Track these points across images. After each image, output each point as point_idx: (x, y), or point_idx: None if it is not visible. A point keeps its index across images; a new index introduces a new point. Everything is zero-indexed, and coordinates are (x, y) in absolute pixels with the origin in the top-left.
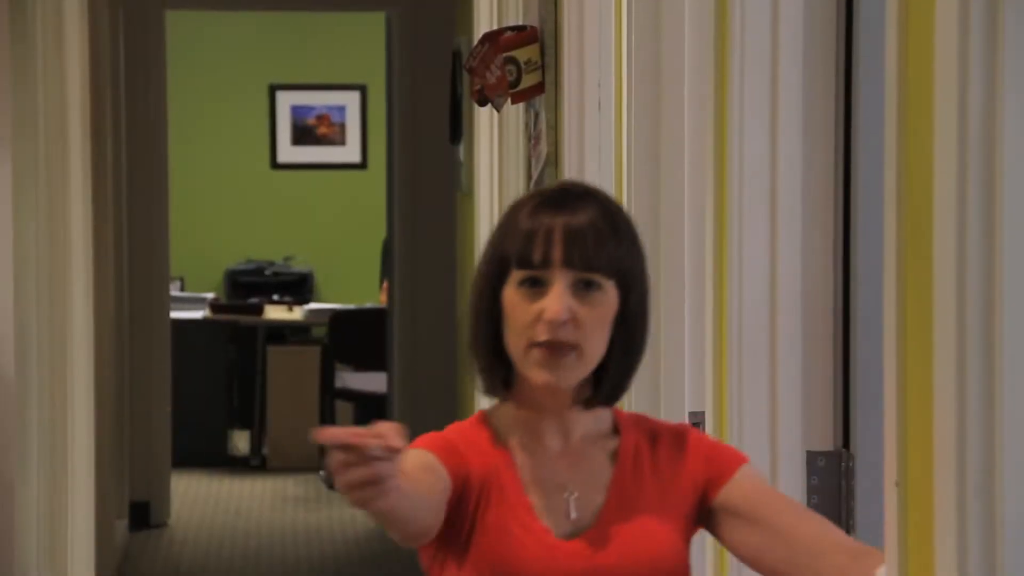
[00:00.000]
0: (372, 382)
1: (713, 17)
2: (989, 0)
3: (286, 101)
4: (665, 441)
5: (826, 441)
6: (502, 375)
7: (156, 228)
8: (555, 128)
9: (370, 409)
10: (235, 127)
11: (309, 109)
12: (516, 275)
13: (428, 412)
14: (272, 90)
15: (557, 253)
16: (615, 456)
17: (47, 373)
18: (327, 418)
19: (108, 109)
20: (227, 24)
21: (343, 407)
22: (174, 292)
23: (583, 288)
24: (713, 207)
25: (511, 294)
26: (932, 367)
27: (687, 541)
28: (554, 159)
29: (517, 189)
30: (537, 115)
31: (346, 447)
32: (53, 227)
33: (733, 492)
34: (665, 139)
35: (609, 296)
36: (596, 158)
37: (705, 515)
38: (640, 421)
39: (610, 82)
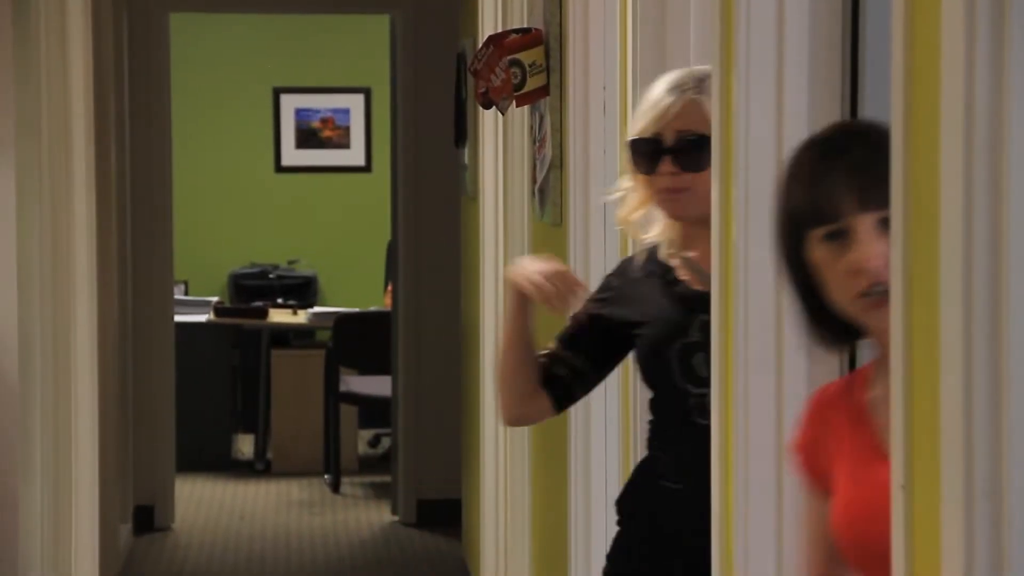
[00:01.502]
0: (377, 386)
1: (718, 20)
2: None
3: (290, 104)
4: None
5: None
6: (840, 326)
7: (160, 231)
8: (560, 131)
9: (375, 413)
10: (239, 130)
11: (313, 112)
12: (816, 232)
13: (433, 415)
14: (276, 93)
15: (852, 200)
16: None
17: (51, 377)
18: (331, 422)
19: (111, 112)
20: (231, 27)
21: (347, 411)
22: (178, 296)
23: (883, 226)
24: (719, 208)
25: (817, 253)
26: (938, 369)
27: None
28: (559, 162)
29: (522, 192)
30: (542, 118)
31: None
32: (56, 230)
33: None
34: None
35: None
36: (601, 161)
37: None
38: None
39: (615, 85)
